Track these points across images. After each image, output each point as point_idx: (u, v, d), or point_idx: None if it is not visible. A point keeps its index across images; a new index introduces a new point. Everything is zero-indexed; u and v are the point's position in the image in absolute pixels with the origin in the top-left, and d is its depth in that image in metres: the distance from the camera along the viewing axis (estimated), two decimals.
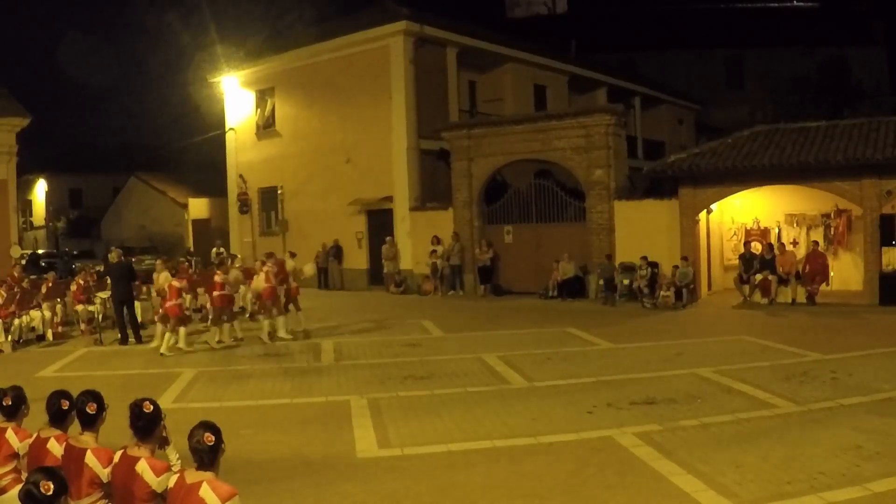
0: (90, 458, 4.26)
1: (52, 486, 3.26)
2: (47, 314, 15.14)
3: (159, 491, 3.98)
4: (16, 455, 4.79)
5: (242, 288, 17.62)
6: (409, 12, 22.61)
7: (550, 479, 6.34)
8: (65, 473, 3.59)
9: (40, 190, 43.80)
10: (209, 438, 3.82)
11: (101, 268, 20.49)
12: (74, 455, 4.33)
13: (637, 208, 18.94)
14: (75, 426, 4.60)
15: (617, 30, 43.15)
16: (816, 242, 17.36)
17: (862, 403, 8.29)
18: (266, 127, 26.72)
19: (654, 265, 17.95)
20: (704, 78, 41.02)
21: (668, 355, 11.64)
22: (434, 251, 21.63)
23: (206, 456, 3.81)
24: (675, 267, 17.50)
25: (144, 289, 16.78)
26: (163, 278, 14.18)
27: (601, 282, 18.58)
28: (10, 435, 4.84)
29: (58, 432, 4.63)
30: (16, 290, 14.85)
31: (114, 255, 15.29)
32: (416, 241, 22.39)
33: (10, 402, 4.98)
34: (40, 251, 35.46)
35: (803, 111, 27.99)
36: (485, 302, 19.67)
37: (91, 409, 4.48)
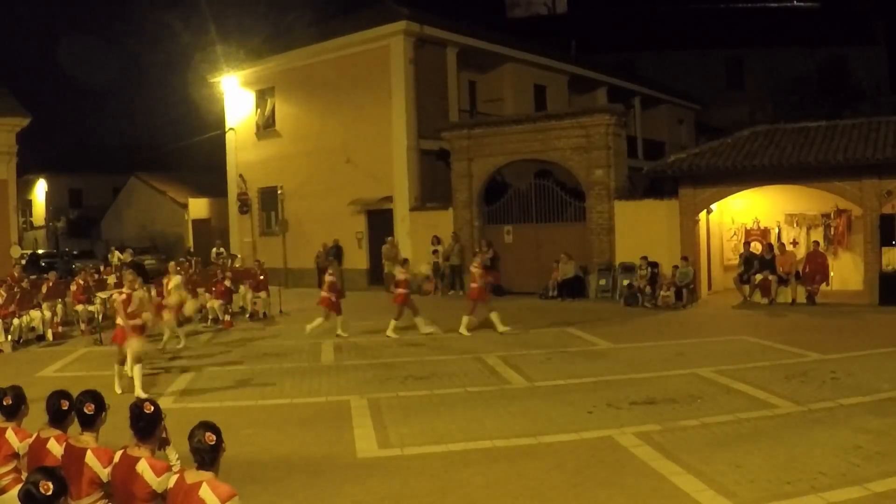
0: (90, 458, 4.27)
1: (51, 486, 3.26)
2: (47, 314, 15.14)
3: (159, 491, 3.99)
4: (16, 455, 4.79)
5: (242, 288, 17.69)
6: (409, 12, 22.60)
7: (550, 479, 6.34)
8: (65, 473, 3.60)
9: (40, 190, 43.84)
10: (210, 438, 3.83)
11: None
12: (74, 455, 4.33)
13: (637, 208, 18.95)
14: (75, 426, 4.60)
15: (617, 30, 43.16)
16: (817, 242, 17.37)
17: (862, 403, 8.29)
18: (266, 127, 26.71)
19: (654, 265, 17.95)
20: (704, 78, 40.97)
21: (668, 355, 11.64)
22: (434, 251, 21.63)
23: (207, 456, 3.81)
24: (675, 267, 17.51)
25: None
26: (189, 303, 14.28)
27: (624, 282, 18.33)
28: (10, 435, 4.84)
29: (58, 432, 4.63)
30: (16, 290, 14.85)
31: (126, 255, 15.27)
32: (416, 241, 22.38)
33: (10, 402, 4.99)
34: (40, 251, 35.45)
35: (803, 111, 27.94)
36: None
37: (90, 409, 4.49)
